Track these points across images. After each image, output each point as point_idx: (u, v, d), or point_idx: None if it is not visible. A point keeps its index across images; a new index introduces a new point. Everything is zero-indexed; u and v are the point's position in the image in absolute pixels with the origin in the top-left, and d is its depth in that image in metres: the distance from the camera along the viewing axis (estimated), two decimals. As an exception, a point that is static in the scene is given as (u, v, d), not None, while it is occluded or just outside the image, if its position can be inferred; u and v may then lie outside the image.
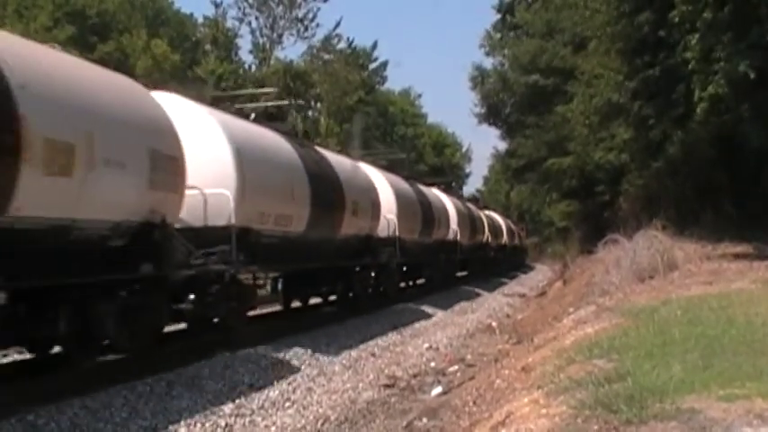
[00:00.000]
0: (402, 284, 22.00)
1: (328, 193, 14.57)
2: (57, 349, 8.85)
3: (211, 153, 10.81)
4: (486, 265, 37.08)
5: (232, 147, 11.11)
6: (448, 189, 35.90)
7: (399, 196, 20.25)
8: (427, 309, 19.99)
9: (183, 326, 11.31)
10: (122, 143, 8.40)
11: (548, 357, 7.79)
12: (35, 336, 8.11)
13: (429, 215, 23.67)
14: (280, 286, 13.87)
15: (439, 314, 19.29)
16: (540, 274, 46.40)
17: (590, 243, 23.41)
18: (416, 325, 16.97)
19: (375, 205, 17.89)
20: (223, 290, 10.58)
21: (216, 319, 11.03)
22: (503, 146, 47.98)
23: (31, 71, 7.21)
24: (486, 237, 37.07)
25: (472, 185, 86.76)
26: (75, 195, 7.56)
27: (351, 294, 17.10)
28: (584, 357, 6.55)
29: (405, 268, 21.49)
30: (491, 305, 23.91)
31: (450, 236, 27.26)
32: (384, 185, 19.46)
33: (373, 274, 18.18)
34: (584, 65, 23.67)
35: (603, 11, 19.21)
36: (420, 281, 25.57)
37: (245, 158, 11.29)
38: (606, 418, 4.41)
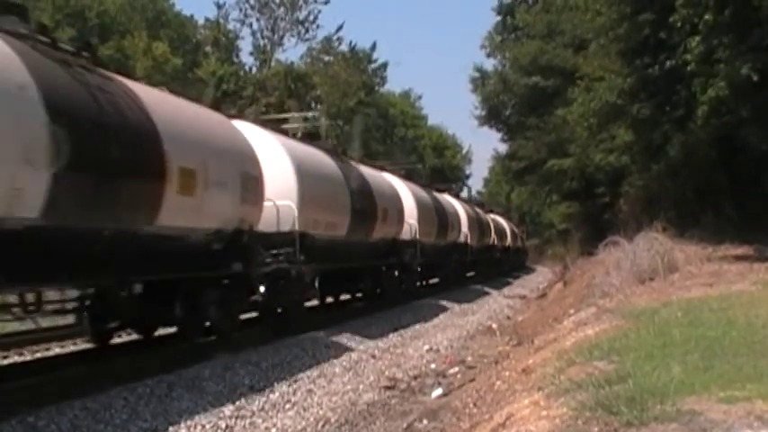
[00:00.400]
0: (418, 283, 23.80)
1: (364, 203, 16.83)
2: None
3: (278, 171, 12.88)
4: (492, 265, 38.56)
5: (294, 166, 13.40)
6: (458, 195, 38.59)
7: (419, 203, 22.55)
8: (446, 303, 22.29)
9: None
10: (224, 168, 10.66)
11: (548, 359, 7.79)
12: (159, 318, 10.54)
13: (444, 220, 25.84)
14: (317, 284, 15.01)
15: (456, 307, 21.41)
16: (541, 275, 46.41)
17: (590, 245, 23.42)
18: (417, 326, 16.99)
19: (400, 212, 20.21)
20: (288, 284, 12.66)
21: (279, 309, 13.08)
22: (503, 148, 48.13)
23: (167, 117, 9.49)
24: (492, 239, 37.80)
25: (472, 187, 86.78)
26: (196, 209, 9.88)
27: (378, 290, 19.35)
28: (584, 359, 6.55)
29: (419, 269, 22.99)
30: (491, 306, 23.92)
31: (462, 239, 29.30)
32: (406, 193, 21.81)
33: (397, 273, 20.31)
34: (585, 66, 23.68)
35: (604, 13, 19.22)
36: (433, 280, 27.28)
37: (304, 175, 13.57)
38: (607, 419, 4.41)
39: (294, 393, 9.48)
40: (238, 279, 11.28)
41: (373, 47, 54.32)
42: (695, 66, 14.46)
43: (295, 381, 10.03)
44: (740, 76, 13.41)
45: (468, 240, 29.86)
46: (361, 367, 11.72)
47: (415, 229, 21.40)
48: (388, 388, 10.52)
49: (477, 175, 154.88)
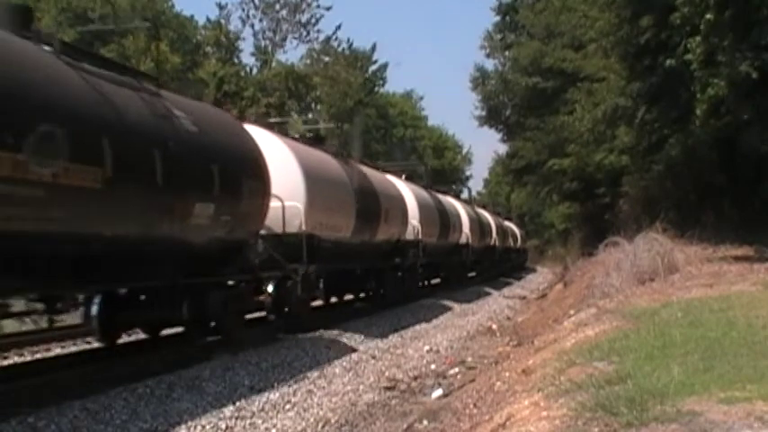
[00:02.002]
0: (420, 284, 24.19)
1: (368, 204, 17.07)
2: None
3: (285, 174, 12.99)
4: (493, 265, 38.78)
5: (301, 169, 13.63)
6: (458, 195, 38.24)
7: (421, 204, 22.80)
8: (447, 303, 22.72)
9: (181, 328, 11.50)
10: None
11: (548, 360, 7.79)
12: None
13: (446, 220, 26.09)
14: (321, 284, 15.17)
15: (456, 308, 21.60)
16: (541, 276, 46.41)
17: (590, 245, 23.41)
18: (417, 327, 17.00)
19: (404, 213, 20.49)
20: (295, 284, 12.90)
21: (286, 309, 13.11)
22: (503, 148, 48.13)
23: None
24: (493, 240, 37.60)
25: (473, 188, 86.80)
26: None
27: (381, 291, 19.42)
28: (584, 360, 6.56)
29: (421, 269, 23.36)
30: (491, 307, 23.91)
31: (463, 239, 29.53)
32: (409, 195, 22.10)
33: (400, 274, 20.58)
34: (586, 66, 23.69)
35: (603, 17, 19.23)
36: (435, 280, 27.67)
37: (311, 178, 13.78)
38: (607, 420, 4.41)
39: (294, 394, 9.48)
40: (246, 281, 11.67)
41: (373, 48, 54.37)
42: (696, 66, 14.46)
43: (295, 381, 10.02)
44: (740, 75, 13.42)
45: (470, 241, 30.17)
46: (361, 368, 11.72)
47: (418, 230, 21.78)
48: (388, 388, 10.52)
49: (478, 175, 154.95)
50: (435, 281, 27.61)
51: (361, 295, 19.58)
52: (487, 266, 36.49)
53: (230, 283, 11.21)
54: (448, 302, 22.83)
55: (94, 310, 9.96)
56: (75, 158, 7.42)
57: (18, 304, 8.40)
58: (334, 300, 18.43)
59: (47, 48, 8.05)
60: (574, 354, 7.06)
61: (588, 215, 35.44)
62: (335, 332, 13.97)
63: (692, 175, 21.35)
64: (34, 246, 7.23)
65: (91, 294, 9.67)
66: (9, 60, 7.18)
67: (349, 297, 19.38)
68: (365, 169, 19.12)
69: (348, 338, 13.73)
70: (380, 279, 19.08)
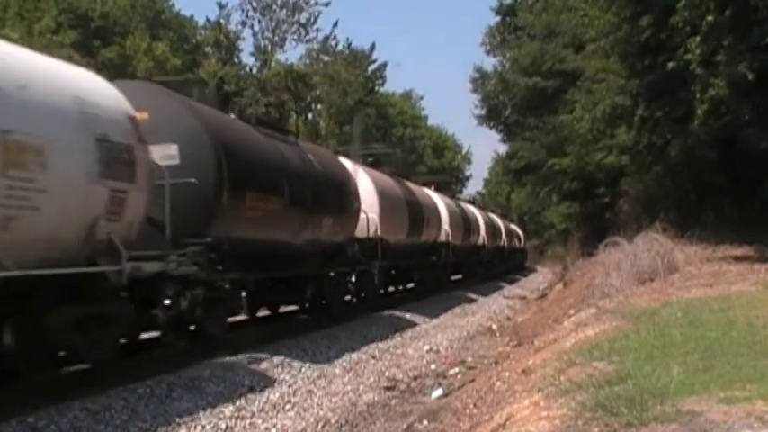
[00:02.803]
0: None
1: (415, 213, 21.58)
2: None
3: (365, 193, 17.28)
4: (502, 263, 40.80)
5: (375, 189, 18.20)
6: (442, 189, 37.80)
7: (451, 212, 27.25)
8: (473, 295, 26.26)
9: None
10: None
11: (548, 359, 7.79)
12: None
13: (468, 225, 30.27)
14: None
15: (456, 308, 22.56)
16: (541, 276, 46.43)
17: (590, 245, 23.42)
18: (417, 327, 17.01)
19: (438, 219, 25.13)
20: (372, 275, 17.41)
21: (363, 294, 17.47)
22: (503, 148, 48.12)
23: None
24: (481, 238, 36.85)
25: (472, 188, 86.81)
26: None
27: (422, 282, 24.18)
28: (584, 359, 6.56)
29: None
30: (491, 307, 23.92)
31: (480, 241, 33.08)
32: (441, 204, 26.51)
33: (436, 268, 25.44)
34: (587, 66, 23.66)
35: (602, 17, 19.22)
36: (456, 276, 30.50)
37: (382, 195, 18.39)
38: (607, 420, 4.41)
39: (294, 394, 9.48)
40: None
41: (372, 47, 54.32)
42: (696, 66, 14.46)
43: (295, 381, 10.02)
44: (740, 75, 13.43)
45: (485, 242, 33.98)
46: (361, 368, 11.72)
47: (448, 233, 26.14)
48: (388, 388, 10.52)
49: (477, 175, 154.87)
50: (457, 276, 30.69)
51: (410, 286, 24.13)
52: (497, 264, 39.63)
53: (331, 274, 14.93)
54: (472, 294, 26.85)
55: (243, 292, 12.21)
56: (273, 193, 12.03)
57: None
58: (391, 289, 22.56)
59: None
60: (574, 354, 7.06)
61: (588, 215, 35.42)
62: (334, 332, 13.97)
63: (692, 174, 21.34)
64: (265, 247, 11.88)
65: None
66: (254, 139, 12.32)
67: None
68: (409, 184, 23.94)
69: (348, 338, 13.72)
70: (423, 272, 23.63)
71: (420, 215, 22.07)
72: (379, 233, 17.49)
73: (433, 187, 28.58)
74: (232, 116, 13.12)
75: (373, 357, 12.65)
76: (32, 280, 6.99)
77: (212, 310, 10.19)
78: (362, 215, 16.59)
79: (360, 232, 16.64)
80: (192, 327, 10.25)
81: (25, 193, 6.95)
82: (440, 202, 26.30)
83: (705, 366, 5.50)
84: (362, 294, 17.31)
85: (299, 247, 13.12)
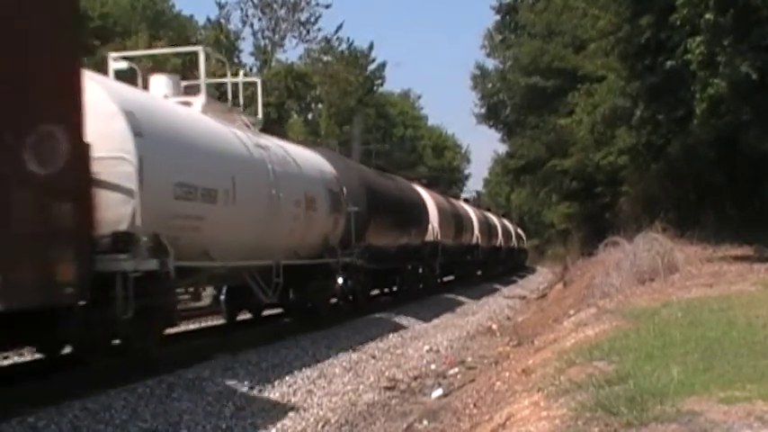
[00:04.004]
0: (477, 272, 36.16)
1: (457, 221, 29.17)
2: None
3: (430, 210, 24.36)
4: (500, 263, 41.66)
5: (436, 206, 25.39)
6: (431, 185, 38.35)
7: (480, 220, 35.19)
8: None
9: (184, 328, 11.59)
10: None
11: (548, 359, 7.79)
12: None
13: (486, 228, 36.28)
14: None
15: (456, 308, 23.39)
16: (541, 276, 46.42)
17: (590, 245, 23.43)
18: (417, 327, 17.01)
19: (471, 225, 32.36)
20: (434, 269, 25.30)
21: (422, 284, 24.26)
22: (503, 148, 48.10)
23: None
24: (474, 237, 34.83)
25: (472, 187, 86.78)
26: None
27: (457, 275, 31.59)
28: (584, 359, 6.56)
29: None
30: (491, 307, 23.92)
31: (474, 240, 33.86)
32: (471, 213, 34.23)
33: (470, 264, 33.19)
34: (587, 66, 23.65)
35: (603, 16, 19.21)
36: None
37: (440, 210, 25.80)
38: (607, 420, 4.41)
39: (294, 394, 9.48)
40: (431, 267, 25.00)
41: (371, 47, 54.30)
42: (696, 66, 14.45)
43: (295, 381, 10.02)
44: (740, 75, 13.43)
45: (479, 242, 34.57)
46: (361, 368, 11.72)
47: (478, 237, 33.03)
48: (388, 388, 10.52)
49: (477, 175, 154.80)
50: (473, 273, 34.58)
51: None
52: (493, 265, 40.96)
53: (409, 267, 21.92)
54: (497, 285, 33.37)
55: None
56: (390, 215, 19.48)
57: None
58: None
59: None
60: (574, 353, 7.06)
61: (588, 215, 35.42)
62: (335, 332, 13.97)
63: (692, 174, 21.36)
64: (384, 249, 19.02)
65: None
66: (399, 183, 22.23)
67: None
68: (452, 199, 32.09)
69: (347, 338, 13.72)
70: (460, 267, 31.11)
71: (460, 222, 29.50)
72: (439, 237, 24.73)
73: (463, 199, 34.48)
74: (362, 166, 20.66)
75: (373, 357, 12.65)
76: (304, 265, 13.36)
77: (365, 287, 17.77)
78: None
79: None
80: (351, 297, 17.03)
81: (311, 221, 13.46)
82: (471, 211, 33.54)
83: (705, 366, 5.50)
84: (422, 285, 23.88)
85: (398, 248, 20.32)
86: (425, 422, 8.43)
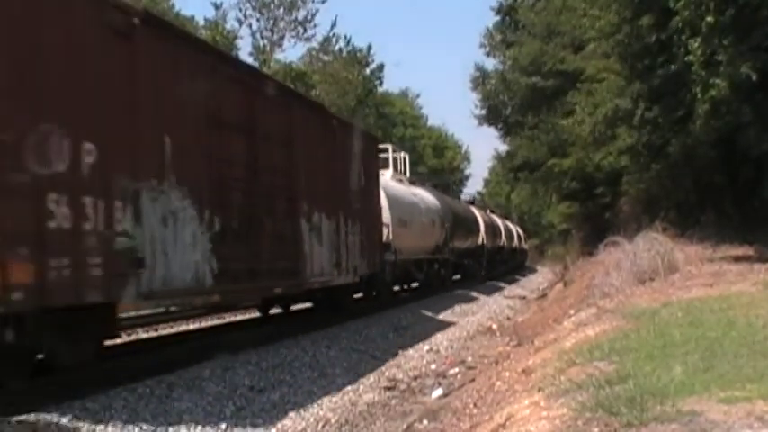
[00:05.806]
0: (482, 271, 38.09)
1: (491, 229, 37.10)
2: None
3: (480, 227, 34.59)
4: (504, 262, 43.06)
5: (482, 220, 35.96)
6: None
7: (486, 223, 37.80)
8: (502, 283, 35.58)
9: (185, 328, 11.56)
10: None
11: (548, 359, 7.80)
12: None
13: (491, 230, 39.14)
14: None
15: (456, 308, 23.41)
16: (541, 276, 46.42)
17: (590, 245, 23.43)
18: (417, 327, 17.01)
19: (478, 229, 36.46)
20: (478, 268, 34.05)
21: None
22: (503, 148, 48.14)
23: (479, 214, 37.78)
24: (480, 238, 37.08)
25: (472, 187, 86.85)
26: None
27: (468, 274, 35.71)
28: (584, 359, 6.56)
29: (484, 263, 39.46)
30: (491, 307, 23.92)
31: (479, 241, 36.99)
32: (479, 216, 37.52)
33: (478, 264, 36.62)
34: (587, 66, 23.64)
35: (603, 17, 19.20)
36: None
37: (486, 224, 36.20)
38: (607, 420, 4.41)
39: (294, 394, 9.48)
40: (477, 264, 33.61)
41: (369, 48, 54.23)
42: (697, 67, 14.45)
43: (295, 381, 10.02)
44: (740, 76, 13.43)
45: (485, 243, 37.71)
46: (361, 367, 11.72)
47: (484, 239, 35.78)
48: (388, 388, 10.52)
49: (477, 175, 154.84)
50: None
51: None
52: (498, 263, 43.25)
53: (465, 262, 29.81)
54: (502, 283, 35.48)
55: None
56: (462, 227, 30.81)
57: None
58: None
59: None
60: (574, 353, 7.06)
61: (588, 215, 35.45)
62: (335, 332, 13.97)
63: (692, 175, 21.35)
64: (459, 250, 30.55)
65: None
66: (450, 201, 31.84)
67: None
68: (472, 208, 37.64)
69: (347, 338, 13.72)
70: (492, 264, 37.18)
71: (476, 228, 34.96)
72: (485, 242, 34.53)
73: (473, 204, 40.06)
74: (446, 196, 29.01)
75: (373, 357, 12.65)
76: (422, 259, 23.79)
77: (447, 276, 27.26)
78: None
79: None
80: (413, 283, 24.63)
81: (433, 234, 24.88)
82: (478, 214, 36.97)
83: (705, 366, 5.50)
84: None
85: (464, 249, 29.53)
86: (425, 422, 8.43)
